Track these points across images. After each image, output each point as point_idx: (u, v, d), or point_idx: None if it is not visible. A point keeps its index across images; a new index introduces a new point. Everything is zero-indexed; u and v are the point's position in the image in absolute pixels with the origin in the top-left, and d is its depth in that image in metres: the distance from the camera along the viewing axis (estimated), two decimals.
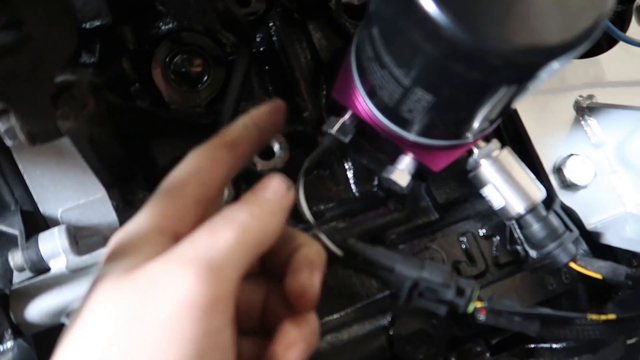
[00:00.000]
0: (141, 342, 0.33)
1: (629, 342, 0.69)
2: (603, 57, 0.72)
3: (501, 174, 0.59)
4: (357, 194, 0.68)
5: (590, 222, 0.67)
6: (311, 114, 0.68)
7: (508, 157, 0.60)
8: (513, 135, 0.70)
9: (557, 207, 0.61)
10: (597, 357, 0.63)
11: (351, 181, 0.68)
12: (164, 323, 0.33)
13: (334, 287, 0.64)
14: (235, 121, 0.51)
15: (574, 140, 0.69)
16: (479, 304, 0.53)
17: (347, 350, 0.61)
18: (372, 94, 0.56)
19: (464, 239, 0.64)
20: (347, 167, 0.68)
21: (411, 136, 0.57)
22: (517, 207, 0.59)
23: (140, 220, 0.41)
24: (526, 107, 0.68)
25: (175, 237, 0.39)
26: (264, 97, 0.70)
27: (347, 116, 0.60)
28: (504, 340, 0.66)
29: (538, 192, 0.60)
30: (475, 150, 0.60)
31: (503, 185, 0.59)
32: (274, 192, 0.45)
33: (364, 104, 0.58)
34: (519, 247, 0.65)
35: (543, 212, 0.60)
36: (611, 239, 0.63)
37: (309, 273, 0.43)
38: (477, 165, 0.60)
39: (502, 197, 0.59)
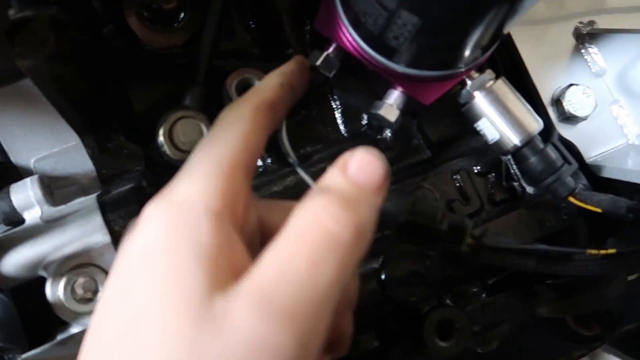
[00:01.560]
0: None
1: (630, 278, 0.67)
2: None
3: (495, 105, 0.56)
4: (345, 134, 0.65)
5: (591, 155, 0.63)
6: (296, 51, 0.64)
7: (502, 87, 0.56)
8: (509, 66, 0.66)
9: (555, 139, 0.58)
10: (597, 295, 0.61)
11: (339, 121, 0.65)
12: None
13: None
14: (268, 79, 0.47)
15: (573, 69, 0.65)
16: (472, 242, 0.50)
17: None
18: (356, 23, 0.53)
19: (458, 176, 0.61)
20: (334, 106, 0.65)
21: (399, 67, 0.53)
22: (513, 139, 0.56)
23: (193, 199, 0.33)
24: (522, 36, 0.64)
25: (234, 222, 0.34)
26: (245, 35, 0.66)
27: (331, 49, 0.56)
28: (501, 280, 0.64)
29: (535, 124, 0.56)
30: (468, 82, 0.57)
31: (497, 117, 0.56)
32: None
33: (349, 35, 0.54)
34: (515, 184, 0.62)
35: (540, 144, 0.57)
36: (612, 171, 0.60)
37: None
38: (470, 98, 0.57)
39: (497, 130, 0.56)
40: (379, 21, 0.48)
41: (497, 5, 0.41)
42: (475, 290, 0.63)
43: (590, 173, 0.63)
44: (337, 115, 0.65)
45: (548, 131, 0.61)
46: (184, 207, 0.33)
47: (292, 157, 0.54)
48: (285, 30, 0.64)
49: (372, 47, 0.53)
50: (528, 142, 0.56)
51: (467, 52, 0.51)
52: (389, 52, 0.52)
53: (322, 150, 0.63)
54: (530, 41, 0.64)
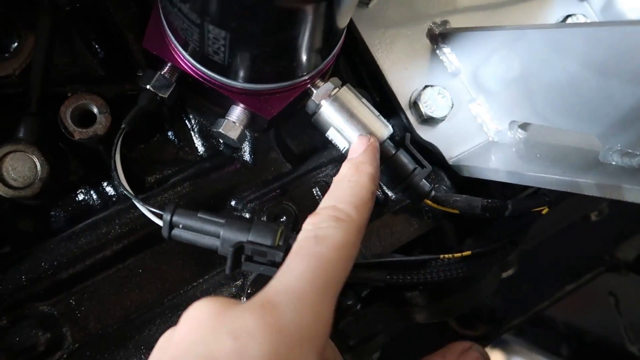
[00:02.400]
0: None
1: (505, 274, 0.67)
2: None
3: (341, 113, 0.55)
4: (203, 155, 0.62)
5: (453, 155, 0.63)
6: (144, 70, 0.61)
7: (347, 94, 0.55)
8: (371, 72, 0.65)
9: (407, 142, 0.57)
10: (467, 295, 0.60)
11: (195, 141, 0.62)
12: None
13: (187, 257, 0.58)
14: (364, 190, 0.46)
15: (430, 70, 0.65)
16: None
17: None
18: (181, 40, 0.50)
19: (317, 189, 0.59)
20: (189, 126, 0.62)
21: (234, 83, 0.51)
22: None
23: (305, 334, 0.37)
24: (376, 41, 0.63)
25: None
26: (89, 57, 0.63)
27: (165, 68, 0.54)
28: (375, 290, 0.62)
29: (383, 129, 0.55)
30: (314, 91, 0.55)
31: (345, 124, 0.55)
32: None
33: (180, 53, 0.52)
34: (378, 192, 0.61)
35: (392, 150, 0.56)
36: (471, 170, 0.60)
37: None
38: (316, 107, 0.55)
39: (345, 139, 0.55)
40: (195, 37, 0.46)
41: (290, 15, 0.40)
42: (349, 303, 0.61)
43: (454, 173, 0.63)
44: (193, 135, 0.62)
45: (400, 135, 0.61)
46: (295, 341, 0.35)
47: (128, 191, 0.51)
48: (131, 50, 0.61)
49: (202, 64, 0.51)
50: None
51: (296, 61, 0.49)
52: (218, 68, 0.50)
53: (179, 173, 0.60)
54: (384, 46, 0.64)
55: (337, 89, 0.55)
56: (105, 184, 0.60)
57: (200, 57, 0.49)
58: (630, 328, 0.84)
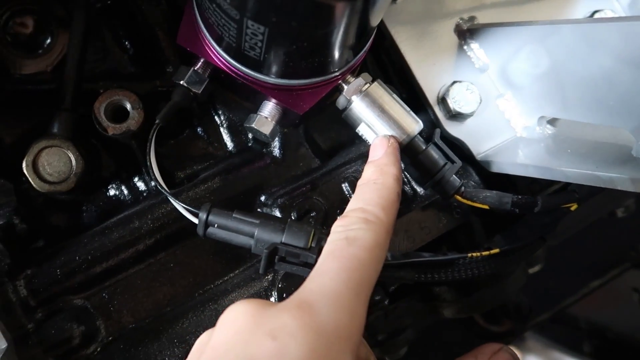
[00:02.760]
0: None
1: (531, 270, 0.67)
2: None
3: (372, 108, 0.55)
4: (232, 150, 0.63)
5: (481, 150, 0.63)
6: (174, 67, 0.62)
7: (378, 89, 0.55)
8: (398, 68, 0.65)
9: (437, 138, 0.57)
10: (495, 291, 0.60)
11: (224, 137, 0.63)
12: None
13: (218, 251, 0.59)
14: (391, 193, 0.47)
15: (457, 66, 0.65)
16: None
17: None
18: (216, 36, 0.51)
19: (346, 184, 0.60)
20: (219, 122, 0.63)
21: (267, 79, 0.52)
22: None
23: (341, 334, 0.37)
24: (404, 37, 0.64)
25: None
26: (120, 54, 0.63)
27: (198, 64, 0.54)
28: (403, 286, 0.63)
29: (414, 124, 0.56)
30: (344, 87, 0.55)
31: (376, 120, 0.55)
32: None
33: (213, 49, 0.52)
34: (406, 187, 0.61)
35: (422, 145, 0.56)
36: (500, 166, 0.60)
37: None
38: (347, 103, 0.56)
39: (376, 134, 0.55)
40: (232, 33, 0.46)
41: (330, 11, 0.40)
42: (377, 298, 0.61)
43: (483, 168, 0.63)
44: (222, 131, 0.63)
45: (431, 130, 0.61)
46: (333, 340, 0.36)
47: (163, 187, 0.51)
48: (161, 46, 0.61)
49: (236, 59, 0.51)
50: (409, 144, 0.55)
51: (330, 57, 0.49)
52: (253, 64, 0.50)
53: (209, 168, 0.61)
54: (412, 42, 0.64)
55: (368, 84, 0.55)
56: (136, 179, 0.61)
57: (235, 52, 0.50)
58: None
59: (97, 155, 0.60)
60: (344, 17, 0.42)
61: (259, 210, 0.59)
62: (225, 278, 0.57)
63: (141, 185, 0.61)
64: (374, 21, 0.49)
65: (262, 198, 0.59)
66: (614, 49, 0.48)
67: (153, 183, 0.60)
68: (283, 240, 0.47)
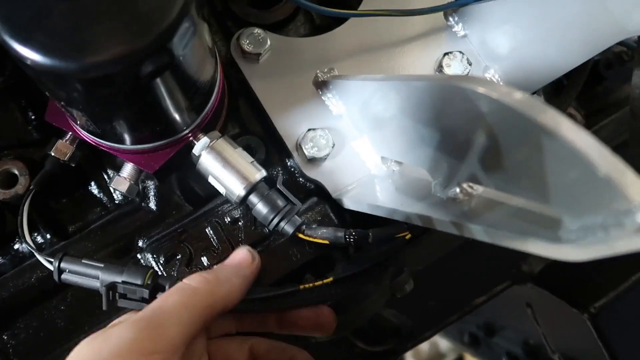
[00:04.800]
0: None
1: (400, 294, 0.73)
2: (338, 31, 0.75)
3: (217, 161, 0.63)
4: (120, 202, 0.72)
5: (338, 189, 0.70)
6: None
7: (222, 144, 0.63)
8: (263, 119, 0.73)
9: (279, 184, 0.65)
10: (353, 314, 0.67)
11: (113, 193, 0.72)
12: None
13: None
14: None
15: (316, 114, 0.72)
16: None
17: None
18: (70, 115, 0.60)
19: (209, 229, 0.68)
20: (107, 180, 0.72)
21: (117, 146, 0.60)
22: (237, 190, 0.63)
23: None
24: (266, 92, 0.71)
25: None
26: (28, 128, 0.72)
27: (67, 136, 0.64)
28: None
29: (255, 173, 0.63)
30: (195, 144, 0.64)
31: (220, 171, 0.63)
32: (236, 260, 0.60)
33: (73, 124, 0.62)
34: (265, 228, 0.68)
35: (266, 190, 0.64)
36: (348, 203, 0.67)
37: None
38: (197, 158, 0.64)
39: (221, 185, 0.63)
40: (71, 113, 0.55)
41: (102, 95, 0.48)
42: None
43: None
44: (110, 187, 0.71)
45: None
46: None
47: (29, 242, 0.60)
48: None
49: (89, 132, 0.60)
50: (252, 190, 0.63)
51: (158, 125, 0.58)
52: (99, 136, 0.59)
53: (97, 220, 0.70)
54: (274, 96, 0.71)
55: (215, 140, 0.63)
56: (36, 234, 0.70)
57: (84, 127, 0.59)
58: (549, 337, 0.87)
59: (0, 215, 0.70)
60: (133, 98, 0.50)
61: (137, 255, 0.68)
62: (107, 320, 0.66)
63: (40, 239, 0.70)
64: (190, 87, 0.56)
65: (140, 243, 0.68)
66: (396, 102, 0.55)
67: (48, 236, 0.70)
68: (123, 279, 0.55)
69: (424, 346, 2.49)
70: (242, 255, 0.61)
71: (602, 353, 0.76)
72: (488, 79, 0.75)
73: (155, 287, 0.55)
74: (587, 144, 0.32)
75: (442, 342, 2.59)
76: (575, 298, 0.77)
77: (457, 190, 0.50)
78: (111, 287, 0.54)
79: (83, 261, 0.57)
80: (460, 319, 0.82)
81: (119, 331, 0.48)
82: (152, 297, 0.54)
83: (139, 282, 0.55)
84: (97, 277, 0.56)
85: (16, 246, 0.71)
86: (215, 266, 0.60)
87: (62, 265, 0.57)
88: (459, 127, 0.47)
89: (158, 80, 0.50)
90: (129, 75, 0.46)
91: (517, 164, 0.41)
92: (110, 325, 0.52)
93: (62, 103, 0.51)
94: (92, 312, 0.67)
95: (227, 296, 0.55)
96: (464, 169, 0.47)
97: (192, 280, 0.54)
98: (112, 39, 0.45)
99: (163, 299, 0.52)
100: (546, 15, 0.64)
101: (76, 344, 0.62)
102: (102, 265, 0.56)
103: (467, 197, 0.50)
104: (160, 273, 0.64)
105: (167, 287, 0.54)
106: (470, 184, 0.49)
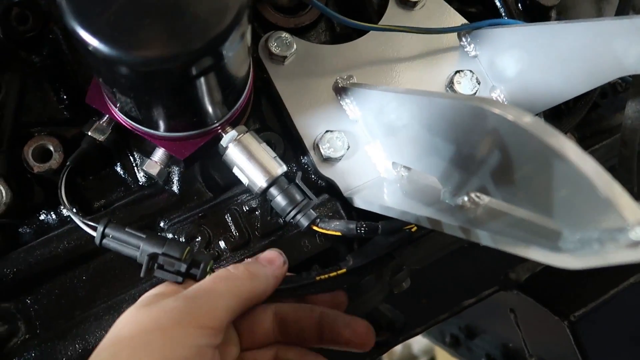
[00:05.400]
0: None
1: (397, 290, 0.79)
2: (359, 42, 0.80)
3: (243, 154, 0.68)
4: (144, 184, 0.76)
5: (349, 188, 0.75)
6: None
7: (249, 138, 0.68)
8: (285, 119, 0.78)
9: (298, 179, 0.70)
10: (356, 304, 0.72)
11: (138, 175, 0.76)
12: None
13: (122, 269, 0.72)
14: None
15: (334, 117, 0.77)
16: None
17: None
18: (112, 100, 0.64)
19: (228, 216, 0.72)
20: (133, 162, 0.76)
21: (153, 132, 0.65)
22: (259, 182, 0.68)
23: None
24: (289, 92, 0.77)
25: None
26: (58, 104, 0.77)
27: (104, 118, 0.68)
28: None
29: (277, 168, 0.68)
30: (223, 135, 0.68)
31: (246, 163, 0.68)
32: (271, 262, 0.62)
33: (112, 108, 0.66)
34: (280, 219, 0.73)
35: (285, 184, 0.69)
36: (358, 202, 0.72)
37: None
38: (224, 149, 0.69)
39: (245, 176, 0.68)
40: (117, 98, 0.60)
41: (162, 89, 0.53)
42: None
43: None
44: (136, 169, 0.76)
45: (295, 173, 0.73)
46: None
47: (69, 210, 0.65)
48: None
49: (128, 117, 0.65)
50: (273, 183, 0.68)
51: (196, 117, 0.63)
52: (139, 121, 0.64)
53: (121, 199, 0.74)
54: (295, 96, 0.77)
55: (242, 134, 0.68)
56: (62, 207, 0.75)
57: (124, 112, 0.64)
58: (529, 342, 0.93)
59: (30, 187, 0.74)
60: (190, 92, 0.55)
61: (158, 234, 0.72)
62: (124, 291, 0.70)
63: (66, 212, 0.74)
64: (229, 85, 0.61)
65: (161, 224, 0.73)
66: (414, 114, 0.61)
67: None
68: (163, 251, 0.60)
69: (397, 347, 2.56)
70: (275, 256, 0.63)
71: (578, 359, 0.82)
72: (494, 98, 0.81)
73: (192, 263, 0.59)
74: (591, 168, 0.38)
75: (415, 343, 2.66)
76: (558, 306, 0.84)
77: (465, 198, 0.55)
78: (153, 256, 0.59)
79: (127, 230, 0.61)
80: (449, 318, 0.88)
81: (173, 303, 0.51)
82: (187, 271, 0.59)
83: (177, 255, 0.59)
84: (137, 247, 0.60)
85: (42, 217, 0.75)
86: (248, 260, 0.63)
87: (107, 230, 0.61)
88: (473, 143, 0.52)
89: (204, 78, 0.54)
90: (179, 73, 0.51)
91: (525, 179, 0.47)
92: (152, 294, 0.55)
93: (113, 89, 0.56)
94: (110, 284, 0.71)
95: (263, 293, 0.59)
96: (474, 181, 0.53)
97: (238, 271, 0.57)
98: (169, 39, 0.49)
99: (213, 282, 0.55)
100: (553, 45, 0.70)
101: (95, 312, 0.69)
102: (144, 236, 0.60)
103: (474, 206, 0.55)
104: None
105: (201, 264, 0.58)
106: (478, 193, 0.54)
